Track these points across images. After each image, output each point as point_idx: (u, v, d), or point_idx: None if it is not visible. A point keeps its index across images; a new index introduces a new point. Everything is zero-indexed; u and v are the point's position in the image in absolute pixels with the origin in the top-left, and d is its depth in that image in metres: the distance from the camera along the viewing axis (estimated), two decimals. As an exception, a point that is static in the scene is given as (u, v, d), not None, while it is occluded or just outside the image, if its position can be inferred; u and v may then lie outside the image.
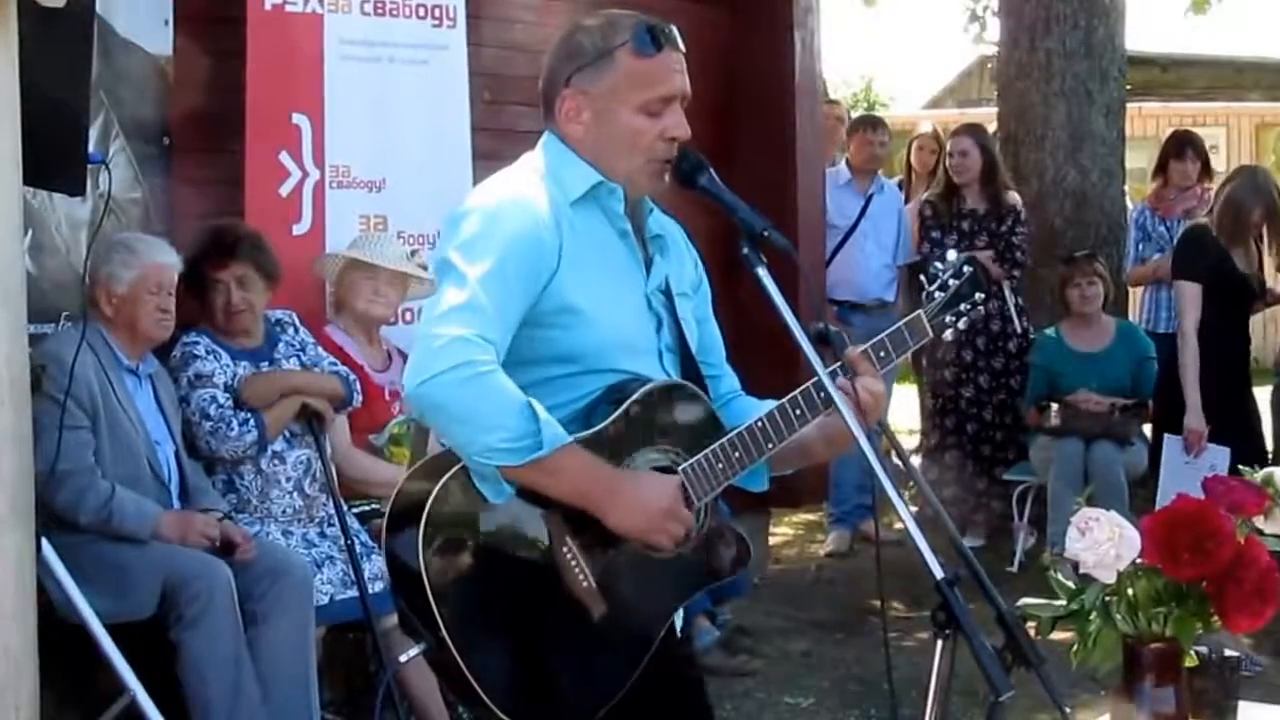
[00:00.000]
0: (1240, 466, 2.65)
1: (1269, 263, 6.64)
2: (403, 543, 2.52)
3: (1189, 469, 6.02)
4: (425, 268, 5.21)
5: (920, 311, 2.88)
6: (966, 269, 2.91)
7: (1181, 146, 8.14)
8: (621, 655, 2.61)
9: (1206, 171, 8.19)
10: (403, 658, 2.49)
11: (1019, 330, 7.75)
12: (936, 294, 2.89)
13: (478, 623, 2.49)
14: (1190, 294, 6.36)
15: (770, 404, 2.73)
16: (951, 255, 2.96)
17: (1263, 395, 6.94)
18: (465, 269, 2.50)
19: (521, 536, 2.54)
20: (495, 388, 2.44)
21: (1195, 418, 6.21)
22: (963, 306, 2.91)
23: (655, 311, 2.75)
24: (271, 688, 4.30)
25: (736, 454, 2.65)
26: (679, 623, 2.80)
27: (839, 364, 2.61)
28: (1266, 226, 6.47)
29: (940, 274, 2.91)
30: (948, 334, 2.91)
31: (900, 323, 2.85)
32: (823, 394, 2.64)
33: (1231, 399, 6.37)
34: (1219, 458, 6.10)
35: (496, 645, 2.51)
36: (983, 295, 2.93)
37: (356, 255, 5.12)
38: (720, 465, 2.64)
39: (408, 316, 5.44)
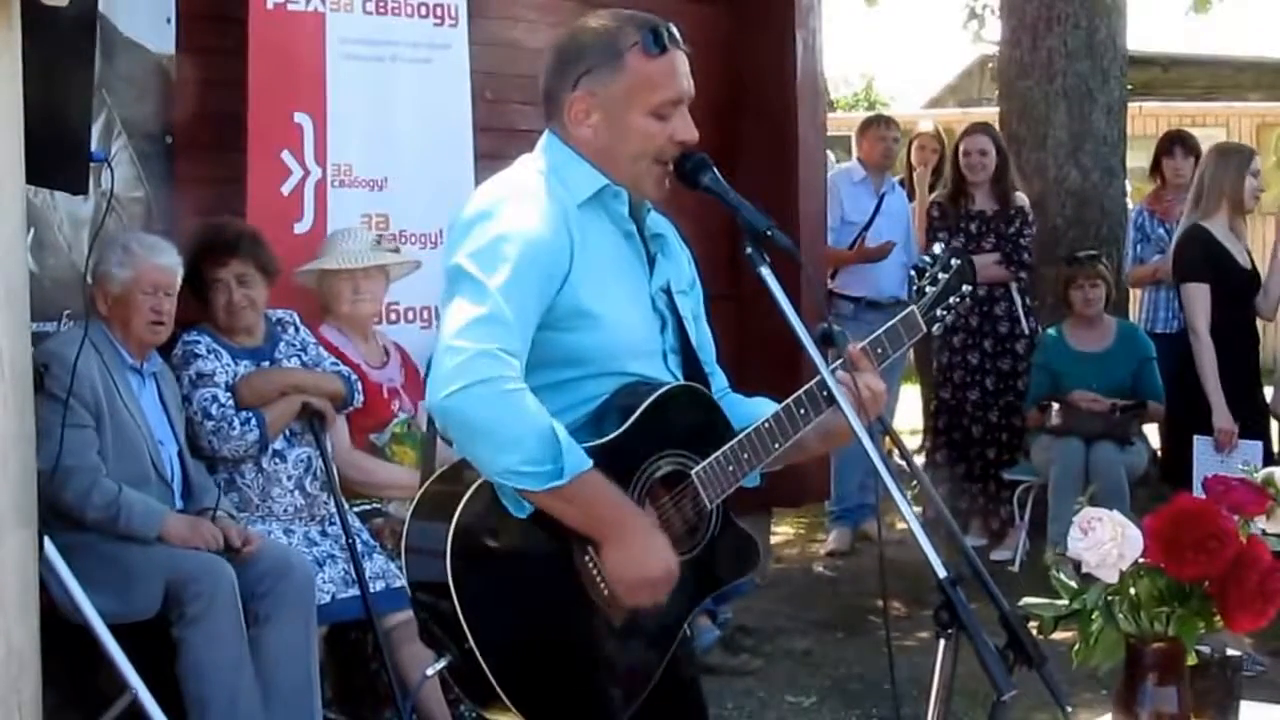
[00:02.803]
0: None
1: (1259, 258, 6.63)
2: (427, 553, 2.51)
3: (1223, 468, 6.01)
4: (397, 249, 5.23)
5: (913, 307, 2.89)
6: (954, 261, 2.92)
7: (1171, 144, 8.18)
8: (642, 660, 2.62)
9: None
10: (429, 671, 2.50)
11: (1026, 332, 7.75)
12: (927, 288, 2.90)
13: (504, 633, 2.49)
14: (1198, 294, 6.33)
15: (760, 400, 2.74)
16: (938, 248, 2.96)
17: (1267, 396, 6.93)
18: (483, 278, 2.47)
19: (544, 547, 2.53)
20: (521, 408, 2.42)
21: (1223, 416, 6.20)
22: (952, 300, 2.92)
23: (660, 312, 2.75)
24: (273, 688, 4.31)
25: (746, 455, 2.66)
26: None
27: (840, 362, 2.62)
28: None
29: (929, 268, 2.92)
30: (936, 328, 2.93)
31: (895, 319, 2.87)
32: (825, 392, 2.64)
33: (1241, 397, 6.36)
34: (1252, 452, 6.08)
35: (522, 655, 2.51)
36: (970, 287, 2.94)
37: (323, 266, 5.08)
38: (731, 467, 2.66)
39: (393, 316, 5.45)
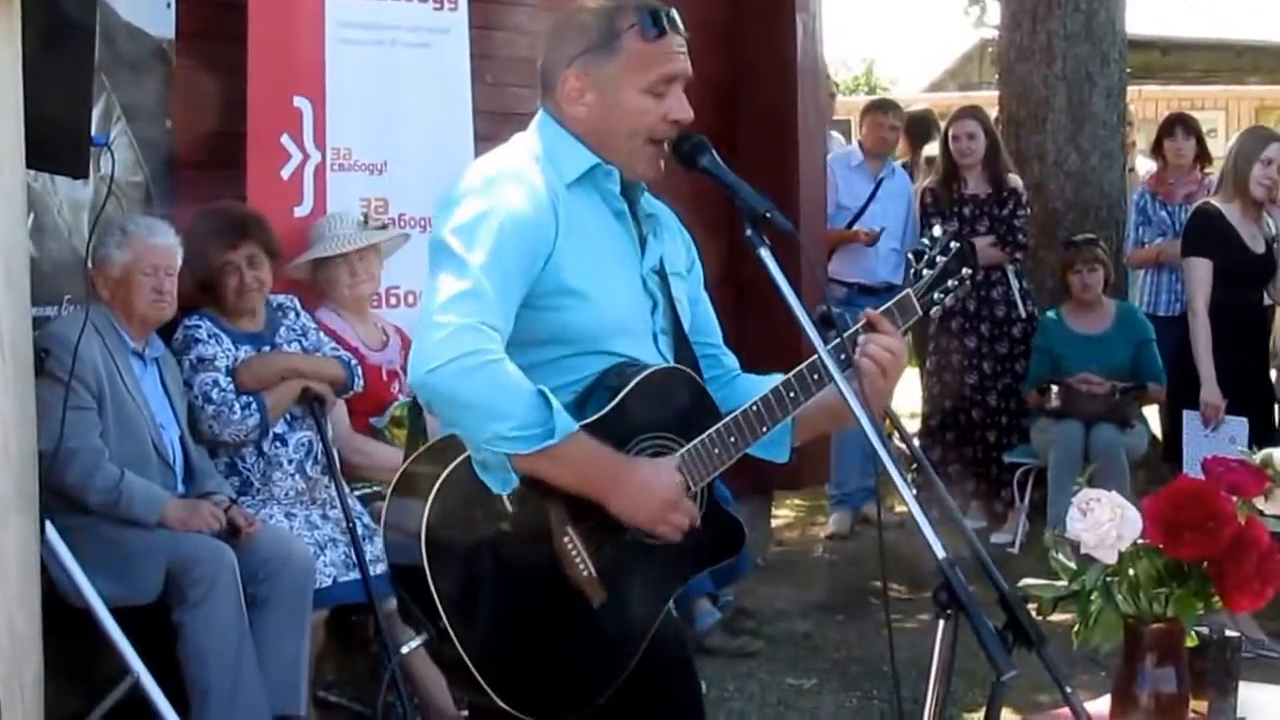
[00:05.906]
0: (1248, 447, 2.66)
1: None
2: (404, 532, 2.52)
3: (1209, 442, 6.03)
4: (384, 226, 5.25)
5: (909, 290, 2.85)
6: (953, 245, 2.90)
7: (1172, 125, 8.23)
8: (621, 642, 2.61)
9: (1204, 156, 8.23)
10: (404, 649, 2.49)
11: (1023, 315, 7.76)
12: (924, 271, 2.88)
13: (479, 613, 2.49)
14: (1200, 270, 6.34)
15: (772, 379, 2.72)
16: (937, 231, 2.93)
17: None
18: (465, 254, 2.48)
19: (524, 526, 2.52)
20: (504, 376, 2.43)
21: (1210, 390, 6.21)
22: (950, 283, 2.88)
23: (650, 292, 2.74)
24: (265, 671, 4.31)
25: (732, 439, 2.65)
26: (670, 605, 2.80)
27: (837, 343, 2.61)
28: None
29: (927, 250, 2.90)
30: (934, 311, 2.90)
31: (890, 302, 2.83)
32: (816, 376, 2.64)
33: (1245, 378, 6.36)
34: (1237, 429, 6.10)
35: (498, 635, 2.51)
36: (970, 270, 2.91)
37: (317, 254, 5.09)
38: (717, 450, 2.64)
39: (393, 300, 5.46)
